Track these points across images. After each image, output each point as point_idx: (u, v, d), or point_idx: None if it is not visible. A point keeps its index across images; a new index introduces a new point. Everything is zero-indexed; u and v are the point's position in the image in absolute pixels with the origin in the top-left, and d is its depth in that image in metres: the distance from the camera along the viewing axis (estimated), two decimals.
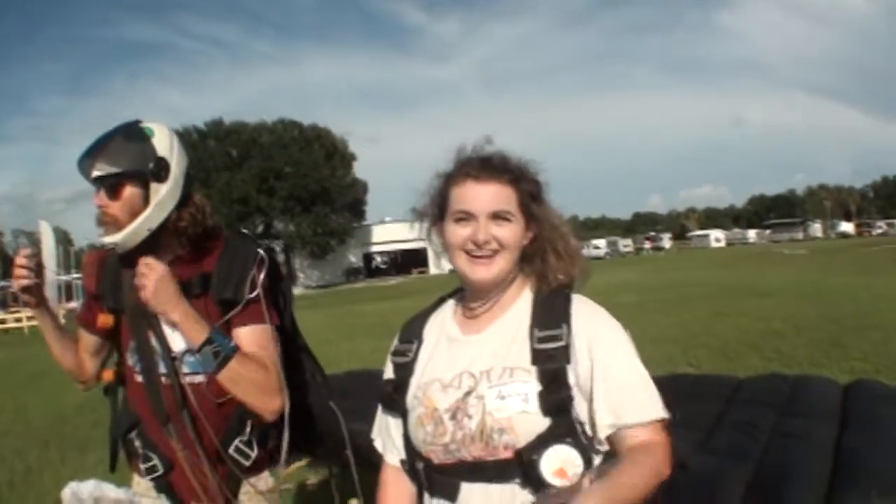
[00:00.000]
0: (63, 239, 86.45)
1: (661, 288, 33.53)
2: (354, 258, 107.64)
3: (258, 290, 3.31)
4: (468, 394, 2.46)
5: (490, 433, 2.38)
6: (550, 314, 2.50)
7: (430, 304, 2.95)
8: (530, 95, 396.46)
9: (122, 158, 3.23)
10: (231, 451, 3.38)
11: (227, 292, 3.29)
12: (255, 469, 3.47)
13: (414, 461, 2.65)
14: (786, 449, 6.46)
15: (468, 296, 2.71)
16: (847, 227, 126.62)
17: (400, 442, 2.75)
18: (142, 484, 3.50)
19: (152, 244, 3.28)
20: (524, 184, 2.56)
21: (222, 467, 3.37)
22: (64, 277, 62.46)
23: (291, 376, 3.48)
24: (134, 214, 3.22)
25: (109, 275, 3.49)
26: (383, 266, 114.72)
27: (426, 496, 2.62)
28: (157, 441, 3.38)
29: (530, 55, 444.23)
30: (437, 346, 2.71)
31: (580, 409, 2.40)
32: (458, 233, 2.54)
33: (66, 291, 63.29)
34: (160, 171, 3.27)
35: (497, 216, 2.50)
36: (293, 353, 3.66)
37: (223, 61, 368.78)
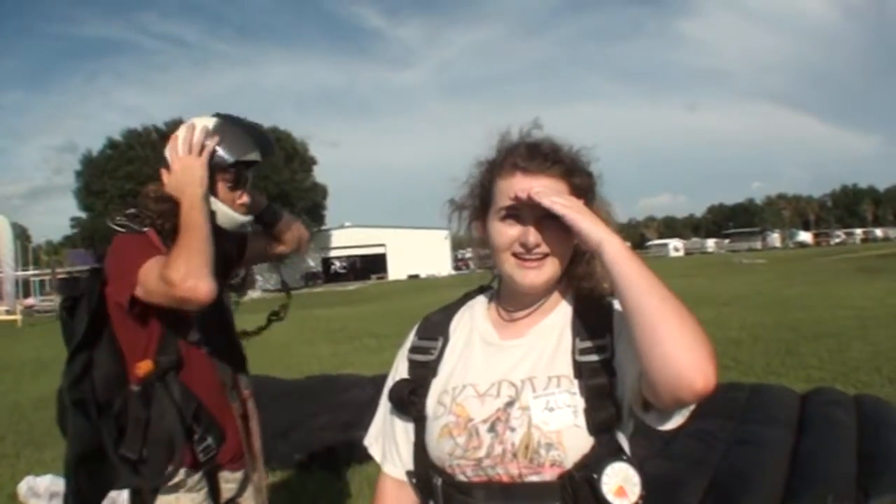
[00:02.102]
0: (21, 235, 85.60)
1: None
2: (313, 263, 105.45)
3: None
4: (510, 404, 2.21)
5: (537, 448, 2.13)
6: (592, 323, 2.28)
7: (454, 300, 2.67)
8: (489, 102, 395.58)
9: None
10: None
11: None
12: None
13: (430, 475, 2.37)
14: (743, 456, 6.53)
15: (508, 298, 2.45)
16: (805, 236, 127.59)
17: (407, 451, 2.49)
18: (194, 478, 3.45)
19: None
20: (577, 177, 2.30)
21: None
22: (21, 273, 62.17)
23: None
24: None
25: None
26: (342, 271, 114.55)
27: None
28: (217, 415, 3.50)
29: (490, 62, 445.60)
30: (468, 347, 2.44)
31: (626, 426, 2.22)
32: (506, 233, 2.27)
33: (24, 288, 63.05)
34: None
35: (548, 215, 2.18)
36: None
37: (183, 61, 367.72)
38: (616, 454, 2.13)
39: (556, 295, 2.40)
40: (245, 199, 3.54)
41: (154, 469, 3.36)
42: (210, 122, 3.49)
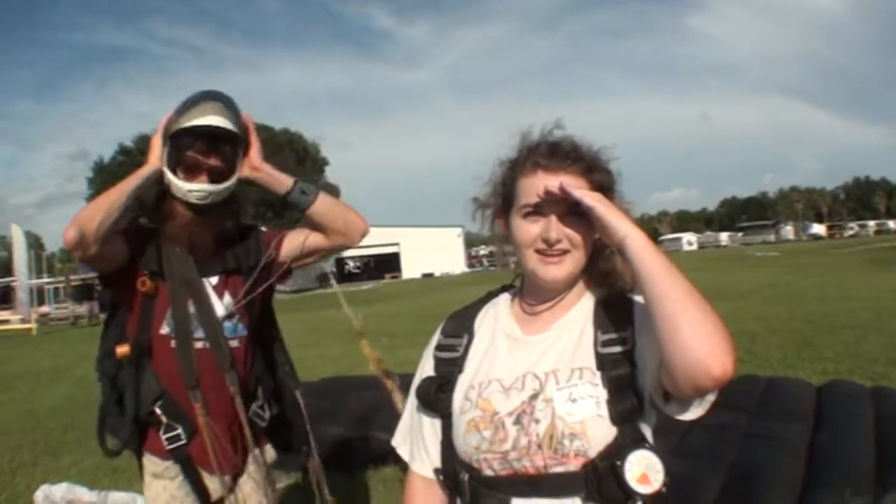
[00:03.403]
0: (35, 244, 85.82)
1: None
2: (326, 263, 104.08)
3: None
4: (534, 396, 2.28)
5: (560, 439, 2.19)
6: (614, 316, 2.35)
7: (477, 298, 2.73)
8: (500, 101, 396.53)
9: (235, 121, 3.47)
10: (250, 413, 3.68)
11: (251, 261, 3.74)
12: (262, 440, 3.82)
13: (457, 471, 2.42)
14: (759, 450, 6.48)
15: (531, 294, 2.50)
16: (819, 228, 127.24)
17: (435, 448, 2.55)
18: (160, 465, 3.58)
19: (221, 208, 3.56)
20: (596, 174, 2.36)
21: (237, 434, 3.65)
22: (36, 281, 62.34)
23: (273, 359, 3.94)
24: (223, 175, 3.48)
25: (151, 242, 3.60)
26: (356, 271, 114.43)
27: None
28: (184, 409, 3.54)
29: (499, 61, 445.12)
30: (493, 343, 2.50)
31: (648, 416, 2.29)
32: (528, 230, 2.34)
33: (38, 296, 63.20)
34: (245, 143, 3.55)
35: (570, 212, 2.29)
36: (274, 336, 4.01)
37: (193, 66, 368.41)
38: (639, 443, 2.18)
39: (577, 290, 2.46)
40: (210, 164, 3.45)
41: (121, 435, 3.61)
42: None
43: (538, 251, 2.34)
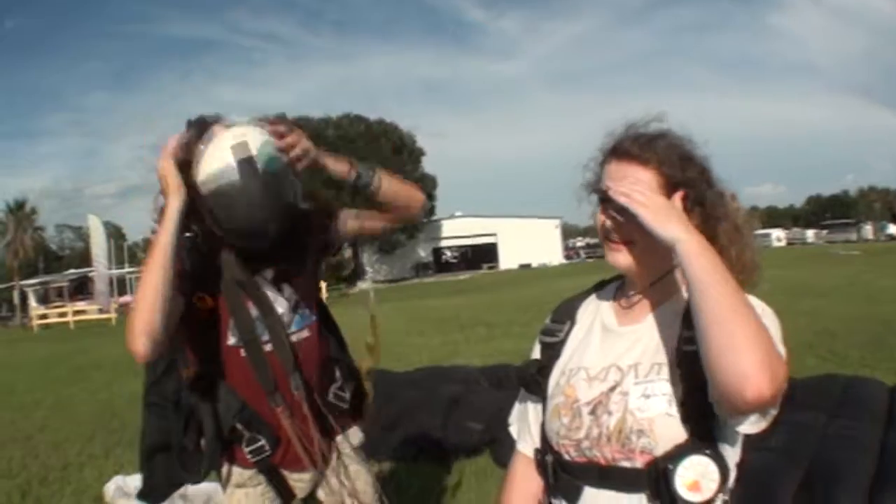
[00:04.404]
0: (115, 234, 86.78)
1: None
2: (424, 253, 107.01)
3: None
4: (613, 388, 2.28)
5: (628, 434, 2.19)
6: None
7: (589, 286, 2.73)
8: (592, 93, 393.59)
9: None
10: (330, 398, 3.64)
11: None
12: (347, 421, 3.78)
13: (545, 453, 2.49)
14: (835, 449, 6.56)
15: (626, 285, 2.52)
16: (894, 229, 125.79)
17: (536, 429, 2.61)
18: (244, 475, 3.55)
19: None
20: (669, 168, 2.29)
21: (322, 425, 3.57)
22: (116, 272, 63.04)
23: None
24: None
25: (198, 259, 3.44)
26: (453, 261, 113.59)
27: (550, 494, 2.49)
28: (265, 418, 3.48)
29: (589, 53, 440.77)
30: (590, 332, 2.52)
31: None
32: (598, 218, 2.38)
33: (120, 286, 63.87)
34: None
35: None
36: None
37: (279, 57, 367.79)
38: (702, 447, 2.13)
39: (673, 283, 2.40)
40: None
41: (204, 464, 3.51)
42: (233, 130, 3.23)
43: (606, 238, 2.38)
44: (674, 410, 2.15)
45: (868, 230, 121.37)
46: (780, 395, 1.91)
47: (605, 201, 2.33)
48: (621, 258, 2.35)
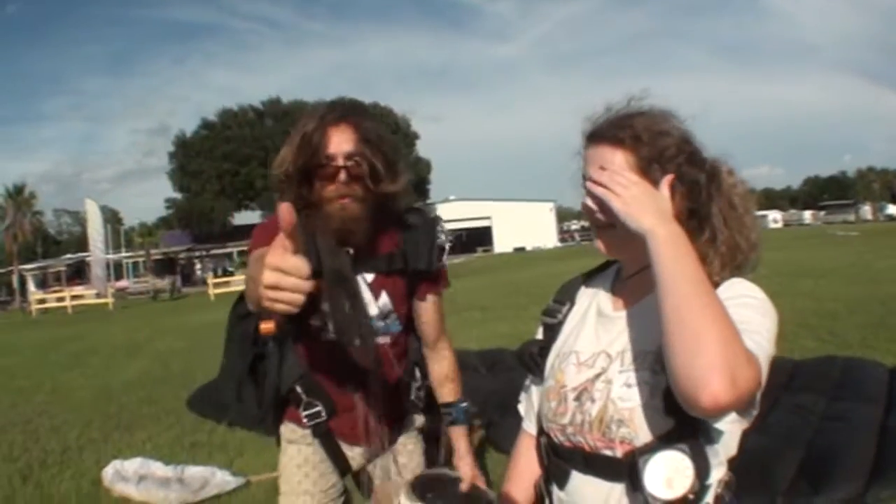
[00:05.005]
0: (112, 218, 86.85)
1: None
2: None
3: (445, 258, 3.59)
4: (598, 376, 2.21)
5: (609, 423, 2.12)
6: None
7: (595, 266, 2.65)
8: (589, 75, 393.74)
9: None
10: (412, 397, 3.69)
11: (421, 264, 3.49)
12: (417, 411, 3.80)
13: (540, 435, 2.47)
14: (834, 432, 6.64)
15: (621, 268, 2.43)
16: (894, 209, 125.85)
17: (536, 411, 2.56)
18: (297, 431, 3.58)
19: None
20: (642, 145, 2.17)
21: (389, 413, 3.58)
22: (113, 256, 63.14)
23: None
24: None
25: (307, 238, 3.22)
26: (448, 244, 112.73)
27: (544, 478, 2.45)
28: (326, 390, 3.51)
29: (586, 35, 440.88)
30: (586, 315, 2.45)
31: None
32: (584, 200, 2.27)
33: (116, 270, 64.01)
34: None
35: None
36: None
37: (275, 41, 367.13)
38: (680, 442, 2.01)
39: None
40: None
41: (261, 415, 3.60)
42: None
43: (592, 223, 2.30)
44: (657, 401, 2.04)
45: (867, 211, 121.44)
46: (748, 398, 1.82)
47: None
48: (600, 244, 2.31)
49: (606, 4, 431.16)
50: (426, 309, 3.59)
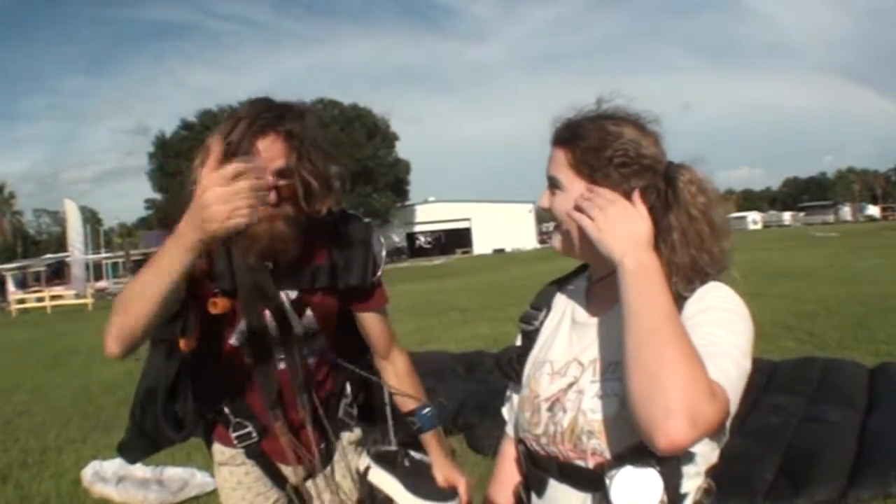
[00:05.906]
0: (91, 218, 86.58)
1: None
2: (398, 238, 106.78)
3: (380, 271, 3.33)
4: (571, 385, 2.17)
5: (580, 434, 2.08)
6: None
7: (574, 268, 2.53)
8: (568, 76, 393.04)
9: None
10: (340, 414, 3.50)
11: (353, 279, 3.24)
12: (351, 427, 3.60)
13: (519, 442, 2.42)
14: (814, 433, 6.68)
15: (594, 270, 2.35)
16: (873, 210, 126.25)
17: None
18: (225, 453, 3.41)
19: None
20: (580, 144, 2.13)
21: (319, 430, 3.40)
22: (93, 256, 62.91)
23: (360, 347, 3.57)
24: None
25: (222, 255, 3.03)
26: (427, 246, 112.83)
27: (524, 485, 2.42)
28: (254, 411, 3.31)
29: (566, 36, 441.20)
30: (561, 321, 2.38)
31: None
32: (545, 199, 2.27)
33: (96, 271, 63.72)
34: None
35: (550, 184, 2.21)
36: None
37: (254, 41, 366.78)
38: (652, 455, 1.89)
39: None
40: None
41: (186, 429, 3.30)
42: None
43: (555, 218, 2.25)
44: (628, 413, 1.84)
45: (846, 211, 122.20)
46: (713, 432, 1.79)
47: (553, 187, 2.21)
48: (558, 242, 2.28)
49: (586, 6, 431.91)
50: (370, 322, 3.40)
